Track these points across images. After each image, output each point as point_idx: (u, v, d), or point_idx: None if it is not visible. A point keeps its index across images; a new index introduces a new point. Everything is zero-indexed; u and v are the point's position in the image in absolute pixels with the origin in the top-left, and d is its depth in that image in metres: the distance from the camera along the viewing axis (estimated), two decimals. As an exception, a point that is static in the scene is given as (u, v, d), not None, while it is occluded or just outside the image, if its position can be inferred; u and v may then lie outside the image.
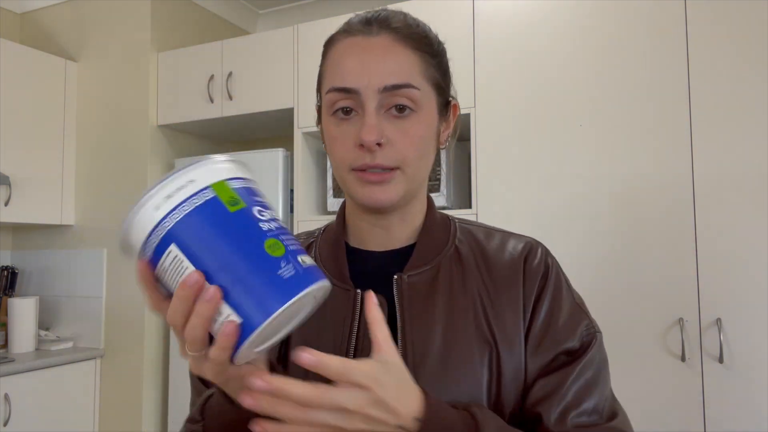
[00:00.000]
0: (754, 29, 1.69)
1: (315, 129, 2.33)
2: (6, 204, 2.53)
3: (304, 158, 2.38)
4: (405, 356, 0.59)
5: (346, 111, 0.61)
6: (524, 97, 1.96)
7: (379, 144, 0.59)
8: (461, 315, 0.62)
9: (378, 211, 0.65)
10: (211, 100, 2.57)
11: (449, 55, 0.69)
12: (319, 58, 0.68)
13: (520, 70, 1.97)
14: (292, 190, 2.39)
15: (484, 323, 0.62)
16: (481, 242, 0.68)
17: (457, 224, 0.71)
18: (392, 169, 0.61)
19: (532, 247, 0.67)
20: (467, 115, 2.06)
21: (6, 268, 2.77)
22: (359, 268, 0.67)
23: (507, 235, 0.69)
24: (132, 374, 2.60)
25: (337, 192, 2.25)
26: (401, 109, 0.60)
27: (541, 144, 1.92)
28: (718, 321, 1.66)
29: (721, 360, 1.64)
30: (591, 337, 0.63)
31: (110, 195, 2.74)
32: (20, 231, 2.99)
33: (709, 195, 1.70)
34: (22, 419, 2.34)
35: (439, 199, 2.04)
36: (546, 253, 0.67)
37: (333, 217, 0.73)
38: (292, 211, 2.38)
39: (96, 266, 2.72)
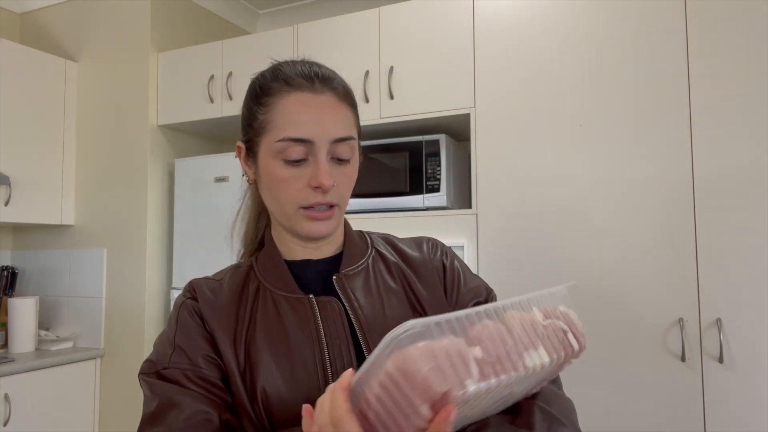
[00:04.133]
0: (754, 29, 1.69)
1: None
2: (6, 204, 2.53)
3: (304, 158, 2.37)
4: (362, 331, 0.72)
5: (297, 160, 0.70)
6: (524, 97, 1.96)
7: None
8: (395, 295, 0.78)
9: (317, 240, 0.77)
10: (211, 100, 2.57)
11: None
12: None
13: (519, 70, 1.97)
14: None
15: (413, 298, 0.78)
16: (395, 244, 0.86)
17: (372, 236, 0.88)
18: (333, 206, 0.74)
19: (426, 240, 0.87)
20: (467, 115, 2.06)
21: (6, 268, 2.77)
22: (300, 277, 0.78)
23: (408, 238, 0.89)
24: (132, 374, 2.60)
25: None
26: (341, 160, 0.73)
27: (541, 144, 1.92)
28: (718, 321, 1.66)
29: (721, 360, 1.64)
30: (491, 291, 0.83)
31: (110, 195, 2.74)
32: (20, 231, 2.99)
33: (709, 195, 1.70)
34: (22, 419, 2.34)
35: (440, 200, 2.04)
36: (435, 241, 0.88)
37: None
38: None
39: (96, 266, 2.72)
